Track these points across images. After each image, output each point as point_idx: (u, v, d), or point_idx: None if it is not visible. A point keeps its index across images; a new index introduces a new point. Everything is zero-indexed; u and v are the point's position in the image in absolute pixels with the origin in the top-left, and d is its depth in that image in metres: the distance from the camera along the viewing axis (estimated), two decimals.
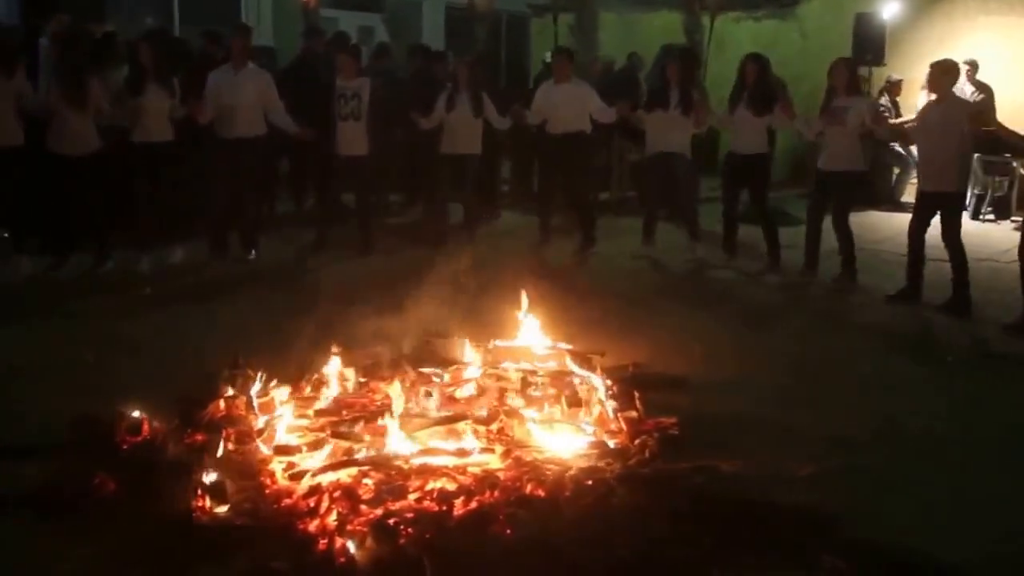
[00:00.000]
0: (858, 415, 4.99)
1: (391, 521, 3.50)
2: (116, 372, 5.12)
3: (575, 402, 4.68)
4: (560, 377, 4.98)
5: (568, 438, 4.38)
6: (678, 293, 7.72)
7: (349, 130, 8.14)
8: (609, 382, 4.98)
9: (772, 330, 6.71)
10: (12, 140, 7.00)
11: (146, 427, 4.14)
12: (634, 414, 4.65)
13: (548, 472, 4.01)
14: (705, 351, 5.95)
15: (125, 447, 4.02)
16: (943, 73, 7.18)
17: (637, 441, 4.40)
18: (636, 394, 4.78)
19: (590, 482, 3.90)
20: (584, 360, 5.15)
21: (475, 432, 4.27)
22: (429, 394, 4.46)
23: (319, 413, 4.38)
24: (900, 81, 11.98)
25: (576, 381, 4.94)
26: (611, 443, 4.38)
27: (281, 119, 7.97)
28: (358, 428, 4.10)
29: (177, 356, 5.38)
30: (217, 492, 3.61)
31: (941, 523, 3.84)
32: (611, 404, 4.71)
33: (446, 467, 3.94)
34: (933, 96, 7.26)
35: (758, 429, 4.73)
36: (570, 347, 5.43)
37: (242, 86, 7.79)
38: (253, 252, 8.15)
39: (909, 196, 11.83)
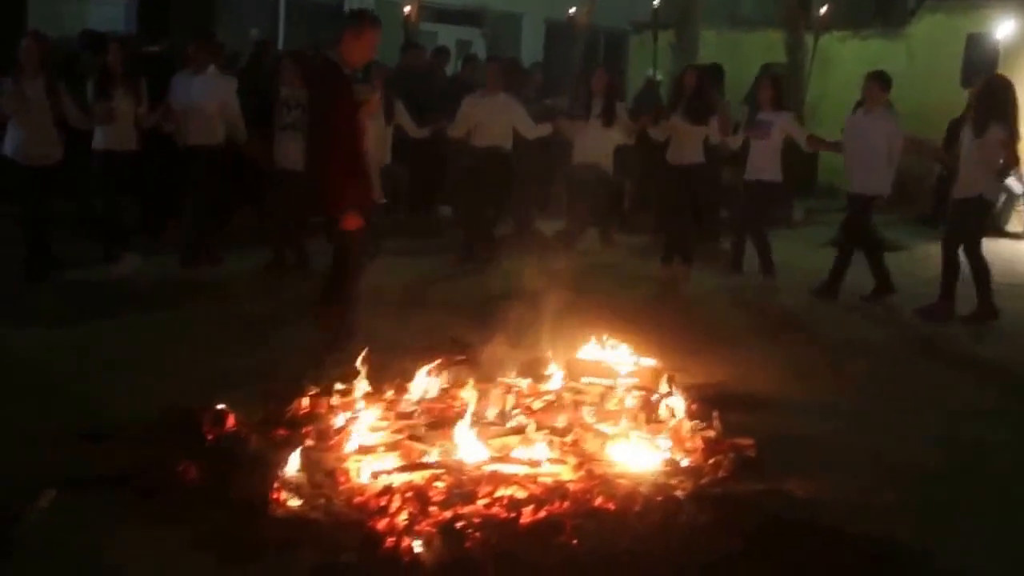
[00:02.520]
0: (944, 445, 4.86)
1: (458, 524, 3.55)
2: (208, 366, 5.30)
3: (652, 419, 4.69)
4: (640, 393, 4.99)
5: (642, 454, 4.38)
6: (759, 314, 7.63)
7: (288, 141, 7.55)
8: (688, 400, 4.95)
9: (859, 354, 6.56)
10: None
11: (231, 420, 4.30)
12: (711, 433, 4.62)
13: (619, 486, 4.02)
14: (789, 373, 5.88)
15: (210, 438, 4.18)
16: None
17: (711, 461, 4.37)
18: (715, 413, 4.74)
19: (659, 499, 3.90)
20: (664, 377, 5.15)
21: (549, 443, 4.30)
22: (506, 404, 4.51)
23: (399, 416, 4.48)
24: None
25: (654, 398, 4.95)
26: (685, 461, 4.36)
27: (233, 128, 7.67)
28: (434, 433, 4.17)
29: (267, 354, 5.54)
30: (293, 486, 3.73)
31: (1021, 567, 3.71)
32: (688, 422, 4.69)
33: (517, 475, 3.98)
34: None
35: (838, 454, 4.66)
36: (652, 363, 5.44)
37: (201, 91, 7.55)
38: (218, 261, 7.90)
39: (1017, 223, 11.50)
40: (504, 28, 16.91)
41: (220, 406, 4.34)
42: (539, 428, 4.34)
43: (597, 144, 8.44)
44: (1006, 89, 7.21)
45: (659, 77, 11.71)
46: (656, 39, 11.05)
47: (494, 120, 8.47)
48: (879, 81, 7.81)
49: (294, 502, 3.69)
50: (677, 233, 8.65)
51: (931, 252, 9.48)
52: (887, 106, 7.84)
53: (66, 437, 4.25)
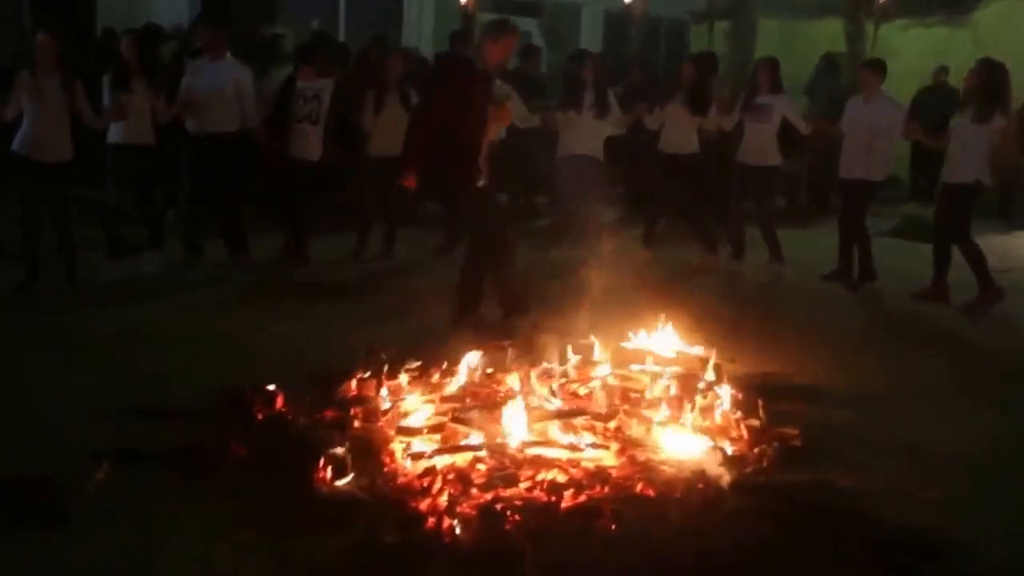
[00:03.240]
0: (995, 439, 4.77)
1: (499, 506, 3.60)
2: (264, 350, 5.43)
3: (698, 407, 4.69)
4: (686, 381, 4.99)
5: (686, 442, 4.38)
6: (816, 303, 7.56)
7: (304, 133, 7.66)
8: (734, 389, 4.93)
9: (913, 346, 6.48)
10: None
11: (281, 401, 4.41)
12: (756, 423, 4.61)
13: (661, 473, 4.04)
14: (838, 364, 5.83)
15: (261, 418, 4.29)
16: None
17: (756, 450, 4.36)
18: (760, 402, 4.72)
19: (700, 486, 3.91)
20: (712, 366, 5.14)
21: (592, 428, 4.33)
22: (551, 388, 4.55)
23: (444, 399, 4.54)
24: None
25: (701, 386, 4.95)
26: (729, 450, 4.36)
27: (249, 116, 7.58)
28: (477, 415, 4.23)
29: (322, 338, 5.65)
30: (338, 466, 3.81)
31: None
32: (734, 411, 4.68)
33: (559, 460, 4.02)
34: None
35: (886, 446, 4.61)
36: (701, 352, 5.43)
37: (220, 78, 7.46)
38: (246, 255, 7.81)
39: None
40: (563, 18, 16.90)
41: (270, 387, 4.45)
42: (582, 414, 4.37)
43: (590, 135, 8.34)
44: (1005, 73, 7.19)
45: None
46: (711, 29, 10.95)
47: None
48: (872, 69, 7.95)
49: (339, 482, 3.78)
50: (692, 222, 8.72)
51: (1001, 245, 9.39)
52: (884, 92, 7.90)
53: (125, 413, 4.41)
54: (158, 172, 7.57)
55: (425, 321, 6.03)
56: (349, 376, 4.66)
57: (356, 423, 4.28)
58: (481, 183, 5.88)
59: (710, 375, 5.09)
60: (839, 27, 13.28)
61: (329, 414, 4.36)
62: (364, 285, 7.40)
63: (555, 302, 5.85)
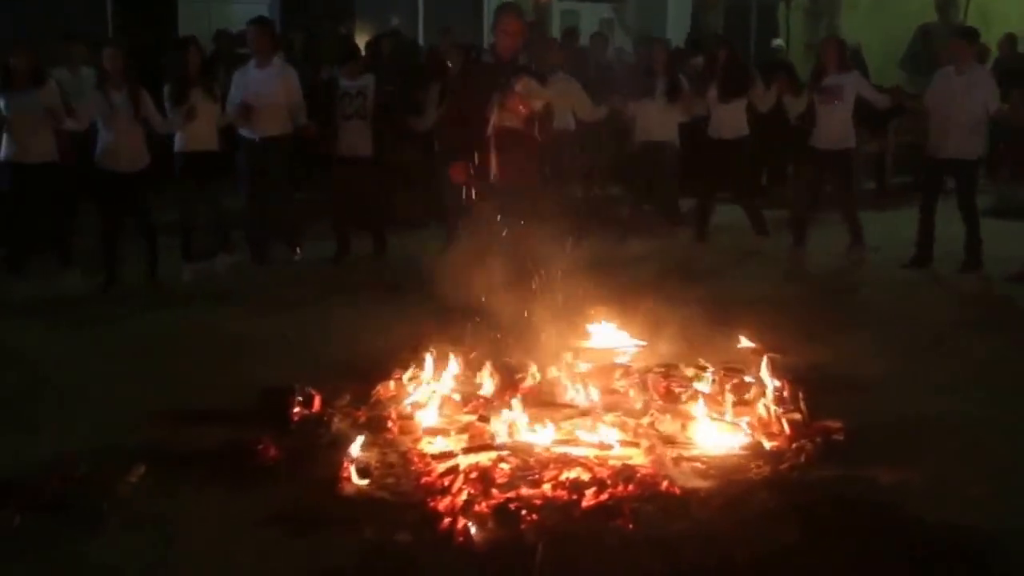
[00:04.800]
0: None
1: (513, 506, 3.60)
2: (309, 351, 5.52)
3: (740, 401, 4.59)
4: (730, 375, 4.89)
5: (723, 437, 4.30)
6: (898, 291, 7.26)
7: (355, 129, 7.66)
8: (780, 382, 4.80)
9: (997, 337, 6.11)
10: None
11: (317, 401, 4.50)
12: (798, 416, 4.48)
13: (690, 470, 3.97)
14: (910, 356, 5.60)
15: (296, 418, 4.40)
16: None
17: (795, 445, 4.24)
18: (800, 395, 4.58)
19: (728, 483, 3.83)
20: (760, 357, 5.01)
21: (623, 425, 4.28)
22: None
23: (473, 398, 4.54)
24: None
25: (745, 380, 4.84)
26: (767, 445, 4.24)
27: (299, 117, 7.64)
28: (506, 414, 4.23)
29: (369, 339, 5.70)
30: (362, 466, 3.88)
31: None
32: (775, 406, 4.55)
33: (586, 458, 3.99)
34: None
35: (940, 441, 4.40)
36: (751, 344, 5.31)
37: (271, 83, 7.54)
38: (298, 251, 7.93)
39: None
40: (649, 4, 16.64)
41: (308, 388, 4.55)
42: (615, 409, 4.33)
43: (664, 121, 8.21)
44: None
45: (778, 43, 11.24)
46: (789, 5, 10.61)
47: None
48: (964, 38, 7.55)
49: (362, 481, 3.84)
50: (748, 210, 8.47)
51: None
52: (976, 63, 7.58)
53: (166, 414, 4.58)
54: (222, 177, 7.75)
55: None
56: (387, 376, 4.73)
57: (389, 423, 4.34)
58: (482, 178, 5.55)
59: (762, 368, 4.96)
60: None
61: (362, 414, 4.43)
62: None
63: (621, 294, 5.75)
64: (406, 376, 4.73)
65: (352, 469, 3.87)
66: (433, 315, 5.33)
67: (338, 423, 4.34)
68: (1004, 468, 4.12)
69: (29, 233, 7.34)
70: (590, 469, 3.88)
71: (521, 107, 5.20)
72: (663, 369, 4.97)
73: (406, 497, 3.76)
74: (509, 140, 5.30)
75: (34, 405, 4.87)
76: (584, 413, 4.32)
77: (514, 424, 4.11)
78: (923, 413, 4.72)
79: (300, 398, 4.48)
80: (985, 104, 7.32)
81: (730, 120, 8.20)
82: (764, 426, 4.41)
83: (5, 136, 7.03)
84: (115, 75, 6.87)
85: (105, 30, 10.73)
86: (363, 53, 9.12)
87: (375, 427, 4.30)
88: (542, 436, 4.09)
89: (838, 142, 7.88)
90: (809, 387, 4.78)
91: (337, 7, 12.17)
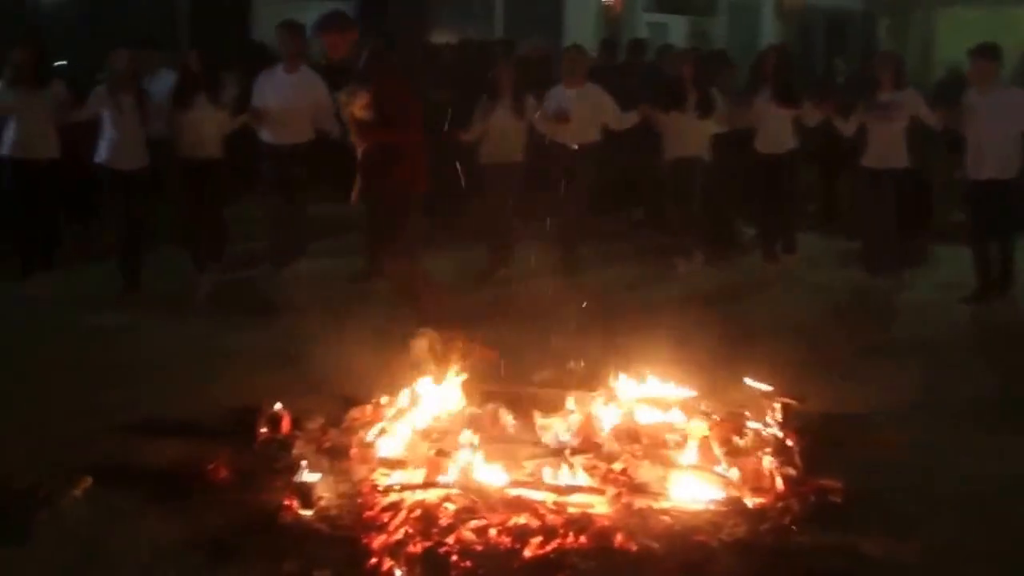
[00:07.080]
0: None
1: (447, 551, 3.39)
2: (303, 368, 5.31)
3: (731, 450, 4.26)
4: (730, 422, 4.55)
5: (704, 489, 3.98)
6: (944, 324, 6.75)
7: None
8: (782, 430, 4.44)
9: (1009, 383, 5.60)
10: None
11: (285, 423, 4.37)
12: (792, 471, 4.12)
13: (653, 524, 3.67)
14: (942, 398, 5.17)
15: (259, 440, 4.28)
16: None
17: (781, 504, 3.89)
18: (795, 448, 4.22)
19: (687, 543, 3.52)
20: (772, 405, 4.67)
21: (593, 468, 4.01)
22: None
23: (427, 434, 4.29)
24: None
25: (753, 427, 4.50)
26: (750, 502, 3.91)
27: (328, 124, 7.35)
28: (467, 449, 4.00)
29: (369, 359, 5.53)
30: (305, 496, 3.72)
31: None
32: (770, 457, 4.20)
33: (540, 503, 3.74)
34: None
35: (950, 501, 3.98)
36: (767, 388, 4.94)
37: (297, 90, 7.45)
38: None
39: None
40: (742, 17, 16.18)
41: (277, 408, 4.42)
42: (582, 452, 4.05)
43: (695, 136, 7.91)
44: None
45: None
46: (876, 23, 10.05)
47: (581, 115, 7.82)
48: (987, 56, 7.05)
49: (304, 512, 3.69)
50: (775, 224, 8.25)
51: None
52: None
53: (130, 427, 4.52)
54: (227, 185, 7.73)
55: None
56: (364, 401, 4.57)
57: (354, 450, 4.17)
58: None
59: (772, 415, 4.62)
60: None
61: (328, 439, 4.28)
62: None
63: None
64: (383, 400, 4.56)
65: (297, 498, 3.72)
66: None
67: (300, 447, 4.19)
68: (1012, 549, 3.68)
69: (32, 232, 7.47)
70: (541, 516, 3.64)
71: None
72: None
73: (343, 531, 3.59)
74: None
75: None
76: (554, 453, 4.06)
77: (469, 462, 3.88)
78: (943, 467, 4.30)
79: (268, 417, 4.36)
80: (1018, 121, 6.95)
81: (779, 132, 7.92)
82: (755, 479, 4.07)
83: (9, 131, 7.17)
84: (125, 77, 6.96)
85: (178, 34, 10.93)
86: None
87: (337, 454, 4.13)
88: (498, 476, 3.85)
89: (889, 161, 7.50)
90: (819, 437, 4.43)
91: (415, 13, 12.14)
